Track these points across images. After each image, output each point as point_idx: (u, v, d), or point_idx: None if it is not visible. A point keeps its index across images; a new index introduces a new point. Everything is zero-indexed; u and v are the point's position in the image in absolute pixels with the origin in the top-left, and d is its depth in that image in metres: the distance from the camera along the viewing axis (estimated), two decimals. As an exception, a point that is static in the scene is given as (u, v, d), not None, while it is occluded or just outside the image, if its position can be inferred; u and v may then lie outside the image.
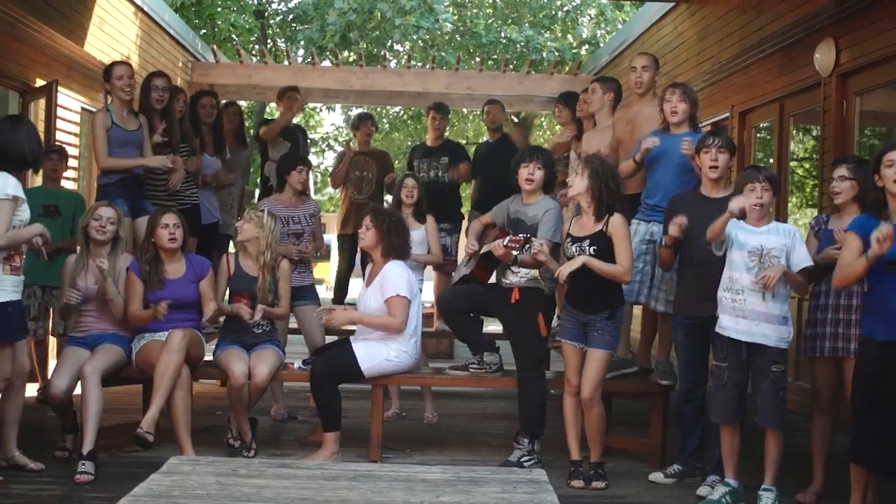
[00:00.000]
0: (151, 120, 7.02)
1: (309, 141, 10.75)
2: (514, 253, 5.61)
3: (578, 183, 5.54)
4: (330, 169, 9.53)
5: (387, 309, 5.96)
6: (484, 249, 5.97)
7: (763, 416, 5.08)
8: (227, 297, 6.37)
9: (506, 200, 6.17)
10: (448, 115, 9.03)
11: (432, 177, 8.59)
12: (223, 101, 10.11)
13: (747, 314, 5.03)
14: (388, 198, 9.45)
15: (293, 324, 7.18)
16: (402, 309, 5.94)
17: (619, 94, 7.11)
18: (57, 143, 8.00)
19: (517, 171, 5.96)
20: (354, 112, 18.08)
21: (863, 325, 4.79)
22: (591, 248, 5.49)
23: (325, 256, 20.39)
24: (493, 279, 6.17)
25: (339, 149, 23.45)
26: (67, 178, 8.17)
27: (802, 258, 5.01)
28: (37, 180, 7.44)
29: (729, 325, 5.09)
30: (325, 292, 16.68)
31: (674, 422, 5.89)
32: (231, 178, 8.36)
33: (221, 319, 6.39)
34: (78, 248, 6.11)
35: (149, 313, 5.89)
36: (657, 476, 5.69)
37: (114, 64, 7.06)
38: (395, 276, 5.99)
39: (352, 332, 6.47)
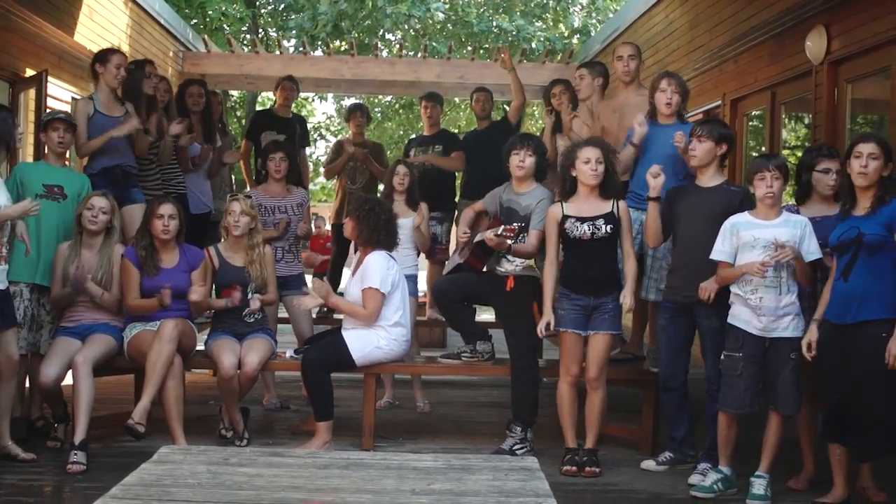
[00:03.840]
0: (139, 108, 6.96)
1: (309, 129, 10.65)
2: (509, 242, 5.61)
3: (601, 168, 5.53)
4: (322, 159, 9.49)
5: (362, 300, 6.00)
6: (477, 238, 5.97)
7: (783, 403, 5.08)
8: (213, 291, 6.36)
9: (498, 188, 6.16)
10: (440, 104, 8.97)
11: (427, 165, 8.56)
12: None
13: (764, 311, 5.04)
14: (381, 187, 9.44)
15: (282, 313, 7.17)
16: (372, 301, 5.95)
17: (607, 78, 7.11)
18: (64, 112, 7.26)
19: (508, 157, 5.96)
20: (346, 102, 18.07)
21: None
22: (608, 227, 5.51)
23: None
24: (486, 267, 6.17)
25: (332, 138, 23.47)
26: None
27: (812, 250, 5.00)
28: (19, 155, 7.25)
29: (747, 319, 5.09)
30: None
31: (661, 412, 5.90)
32: (209, 148, 8.24)
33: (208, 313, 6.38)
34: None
35: (152, 302, 5.86)
36: (648, 464, 5.71)
37: (113, 51, 6.95)
38: (372, 267, 5.98)
39: (340, 321, 6.46)
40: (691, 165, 5.52)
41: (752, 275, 4.98)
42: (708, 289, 5.25)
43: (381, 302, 5.96)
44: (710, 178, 5.51)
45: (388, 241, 6.16)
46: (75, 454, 5.41)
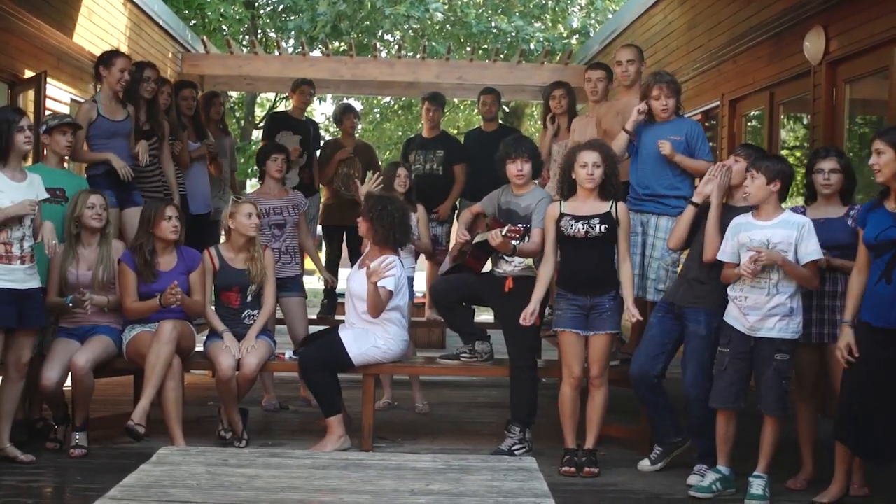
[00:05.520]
0: (137, 110, 6.98)
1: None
2: (514, 243, 5.62)
3: (598, 172, 5.53)
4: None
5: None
6: (478, 239, 5.98)
7: (765, 404, 5.09)
8: (212, 292, 6.36)
9: (496, 191, 6.17)
10: (443, 107, 8.94)
11: (427, 169, 8.53)
12: (208, 90, 10.18)
13: (750, 311, 5.05)
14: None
15: (279, 314, 7.16)
16: (383, 301, 5.94)
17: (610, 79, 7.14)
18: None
19: (504, 166, 5.96)
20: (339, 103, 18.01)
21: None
22: (602, 227, 5.51)
23: (319, 247, 20.33)
24: (485, 268, 6.17)
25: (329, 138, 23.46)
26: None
27: (810, 251, 4.97)
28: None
29: (736, 316, 5.12)
30: (317, 283, 16.66)
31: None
32: (211, 144, 8.31)
33: None
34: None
35: (152, 303, 5.86)
36: (644, 464, 5.71)
37: (118, 54, 6.92)
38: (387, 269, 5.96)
39: (340, 322, 6.46)
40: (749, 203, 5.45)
41: (743, 274, 5.00)
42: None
43: (386, 302, 5.97)
44: (739, 198, 5.47)
45: (402, 238, 6.20)
46: (77, 436, 5.53)
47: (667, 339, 5.58)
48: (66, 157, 6.53)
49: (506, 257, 5.92)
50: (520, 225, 5.62)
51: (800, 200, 7.85)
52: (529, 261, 5.96)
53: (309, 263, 7.70)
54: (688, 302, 5.43)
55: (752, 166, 5.12)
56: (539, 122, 19.33)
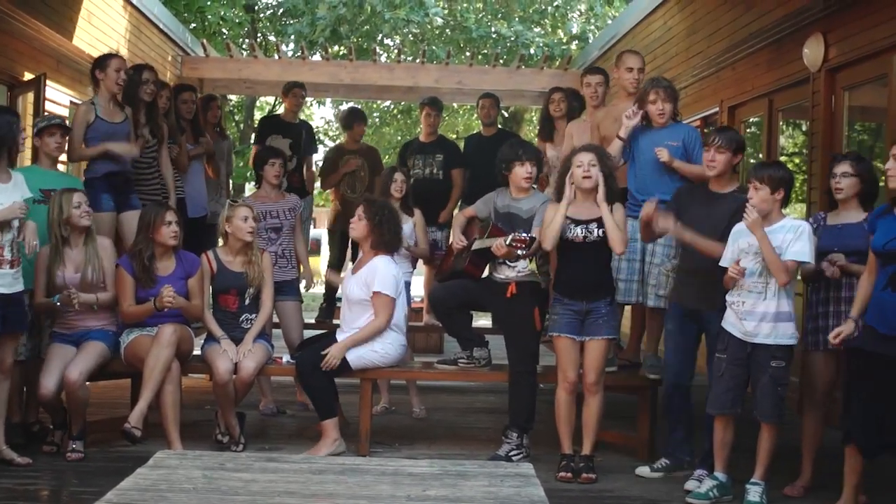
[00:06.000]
0: (137, 113, 6.98)
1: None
2: (519, 252, 5.61)
3: (594, 170, 5.52)
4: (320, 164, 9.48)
5: (372, 305, 5.99)
6: (478, 246, 5.96)
7: (760, 411, 5.07)
8: (211, 296, 6.36)
9: (490, 194, 6.16)
10: (442, 111, 8.95)
11: (427, 174, 8.52)
12: (205, 94, 10.21)
13: (747, 316, 5.04)
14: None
15: (274, 318, 7.14)
16: (386, 308, 5.97)
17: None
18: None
19: (510, 169, 5.94)
20: (343, 107, 18.04)
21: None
22: (600, 231, 5.50)
23: (316, 251, 20.33)
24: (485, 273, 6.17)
25: (330, 143, 23.48)
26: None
27: (796, 250, 4.94)
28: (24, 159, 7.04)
29: (733, 322, 5.11)
30: (318, 286, 16.67)
31: (663, 415, 5.89)
32: (207, 142, 8.33)
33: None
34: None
35: (147, 307, 5.84)
36: (643, 470, 5.69)
37: (111, 56, 6.93)
38: (382, 272, 5.98)
39: (338, 326, 6.45)
40: (709, 175, 5.48)
41: (732, 275, 5.01)
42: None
43: (392, 308, 5.98)
44: (723, 185, 5.49)
45: (395, 243, 6.23)
46: (73, 444, 5.51)
47: (690, 345, 5.60)
48: (65, 160, 6.52)
49: (508, 262, 5.90)
50: (524, 234, 5.60)
51: (798, 206, 7.88)
52: (533, 265, 5.96)
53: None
54: (707, 306, 5.39)
55: (754, 177, 5.08)
56: (538, 128, 19.30)
